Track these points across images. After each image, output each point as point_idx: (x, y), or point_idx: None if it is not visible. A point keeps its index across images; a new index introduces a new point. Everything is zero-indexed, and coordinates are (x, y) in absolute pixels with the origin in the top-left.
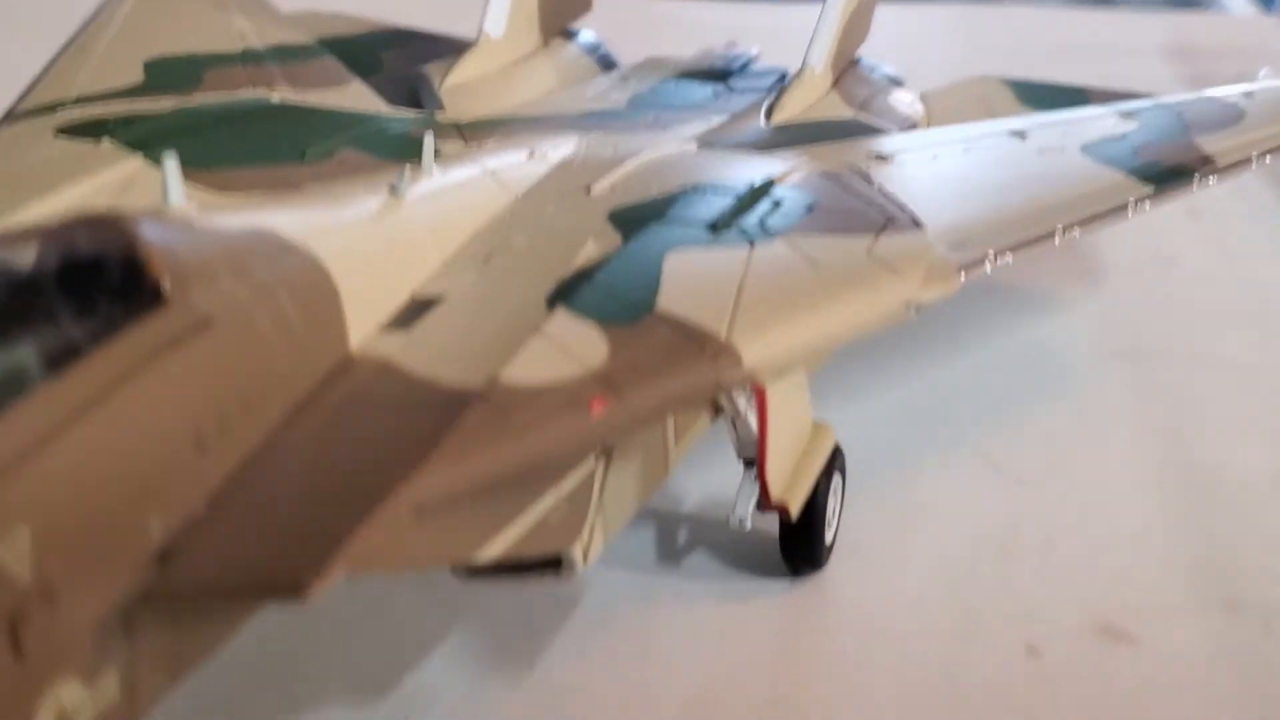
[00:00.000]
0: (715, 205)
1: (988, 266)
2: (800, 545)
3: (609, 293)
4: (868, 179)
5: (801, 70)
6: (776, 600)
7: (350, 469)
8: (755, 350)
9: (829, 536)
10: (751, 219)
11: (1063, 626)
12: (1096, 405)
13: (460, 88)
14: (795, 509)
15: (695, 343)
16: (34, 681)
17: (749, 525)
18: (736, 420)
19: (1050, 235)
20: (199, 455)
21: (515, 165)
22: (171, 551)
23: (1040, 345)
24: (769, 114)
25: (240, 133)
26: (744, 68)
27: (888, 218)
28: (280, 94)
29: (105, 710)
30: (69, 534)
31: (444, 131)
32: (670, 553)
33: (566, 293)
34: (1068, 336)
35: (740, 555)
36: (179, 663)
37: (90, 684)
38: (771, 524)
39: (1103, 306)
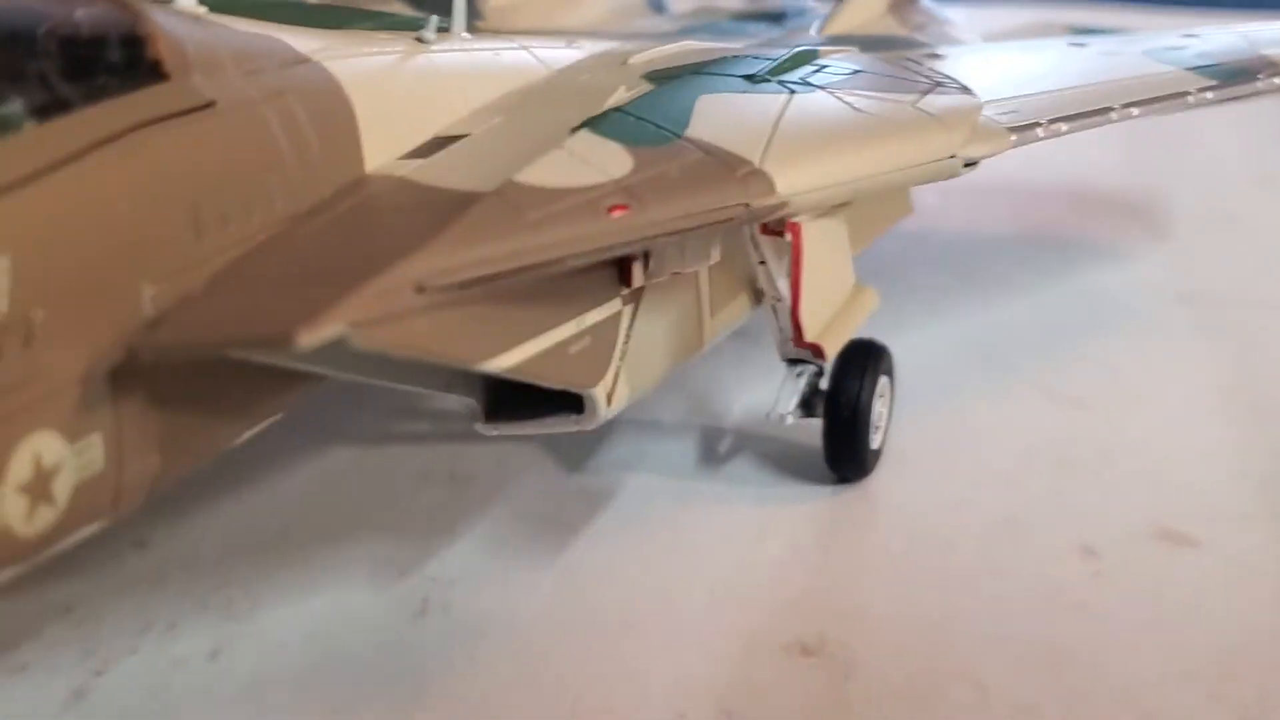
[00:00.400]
0: (755, 65)
1: (1040, 131)
2: (846, 449)
3: (635, 122)
4: (918, 63)
5: None
6: (818, 504)
7: (352, 252)
8: (789, 178)
9: (876, 441)
10: (793, 76)
11: (1121, 530)
12: (1160, 342)
13: (504, 7)
14: (830, 351)
15: (725, 165)
16: (8, 422)
17: (789, 420)
18: (770, 268)
19: (1107, 111)
20: (196, 237)
21: (553, 46)
22: (162, 319)
23: (1103, 289)
24: (821, 24)
25: None
26: (797, 8)
27: (936, 83)
28: None
29: (90, 478)
30: (51, 277)
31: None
32: (710, 460)
33: (592, 122)
34: (1132, 282)
35: (783, 463)
36: (170, 450)
37: (72, 442)
38: (815, 429)
39: (1168, 256)
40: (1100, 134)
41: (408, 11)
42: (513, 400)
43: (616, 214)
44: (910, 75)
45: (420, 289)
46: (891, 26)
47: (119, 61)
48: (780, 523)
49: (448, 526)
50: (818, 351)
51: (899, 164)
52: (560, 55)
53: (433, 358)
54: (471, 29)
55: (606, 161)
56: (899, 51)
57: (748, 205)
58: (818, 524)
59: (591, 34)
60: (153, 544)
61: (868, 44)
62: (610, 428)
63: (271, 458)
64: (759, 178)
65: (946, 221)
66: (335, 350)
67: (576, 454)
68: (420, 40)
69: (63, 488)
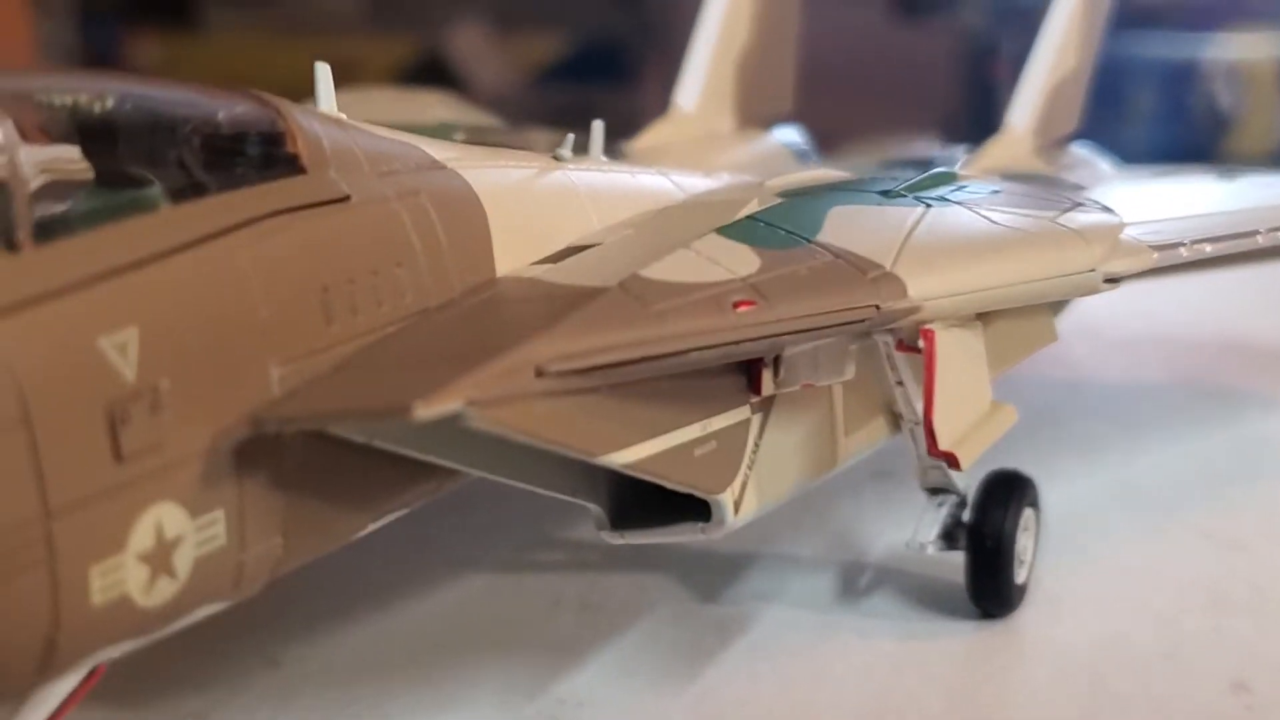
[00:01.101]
0: (892, 183)
1: (1183, 251)
2: (989, 582)
3: (766, 226)
4: (1059, 183)
5: (1002, 128)
6: (960, 638)
7: (474, 338)
8: (922, 283)
9: (1021, 576)
10: (930, 193)
11: (1275, 665)
12: None
13: (648, 150)
14: (965, 461)
15: (856, 268)
16: (133, 489)
17: (930, 551)
18: (908, 389)
19: (1253, 234)
20: (326, 323)
21: (691, 176)
22: (287, 396)
23: (1262, 437)
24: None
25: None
26: (949, 160)
27: (1077, 202)
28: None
29: (211, 554)
30: (179, 349)
31: None
32: (850, 594)
33: (722, 227)
34: None
35: (924, 598)
36: (293, 534)
37: (194, 516)
38: (958, 565)
39: None
40: (1256, 282)
41: None
42: (638, 510)
43: (743, 309)
44: (1051, 195)
45: (540, 373)
46: (1037, 166)
47: (259, 154)
48: (921, 655)
49: (578, 652)
50: (952, 461)
51: (1036, 275)
52: (697, 182)
53: (550, 444)
54: None
55: (734, 261)
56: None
57: (878, 307)
58: (959, 658)
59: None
60: (285, 661)
61: (1011, 177)
62: (747, 560)
63: (406, 581)
64: (891, 281)
65: (1102, 372)
66: (455, 434)
67: (712, 584)
68: (556, 158)
69: (184, 561)
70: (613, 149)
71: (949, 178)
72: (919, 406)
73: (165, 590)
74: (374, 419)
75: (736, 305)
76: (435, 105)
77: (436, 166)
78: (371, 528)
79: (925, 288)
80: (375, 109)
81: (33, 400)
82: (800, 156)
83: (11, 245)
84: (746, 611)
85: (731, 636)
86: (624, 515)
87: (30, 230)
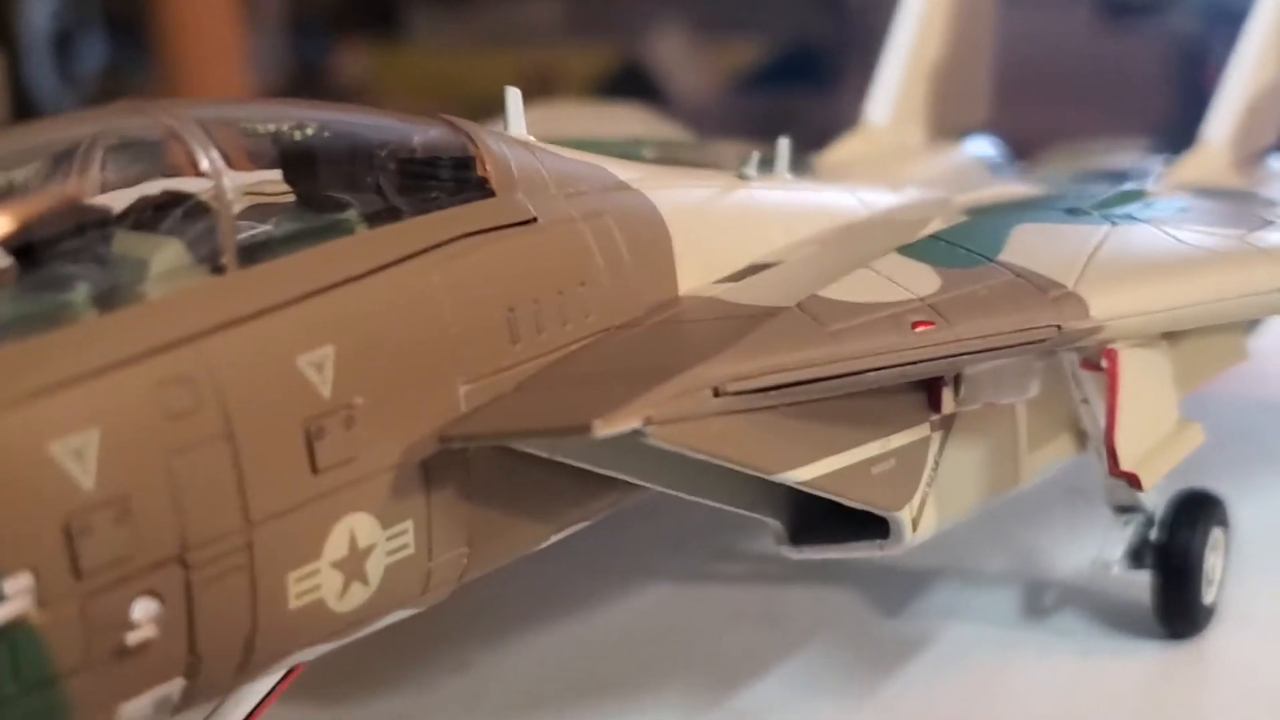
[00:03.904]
0: (1078, 199)
1: None
2: (1176, 602)
3: (948, 245)
4: (1250, 198)
5: (1198, 142)
6: (1146, 657)
7: (653, 357)
8: (1105, 302)
9: (1209, 597)
10: (1117, 210)
11: None
12: None
13: (837, 165)
14: (1147, 482)
15: (1037, 287)
16: (328, 499)
17: (1115, 570)
18: (1093, 406)
19: None
20: (512, 342)
21: (877, 192)
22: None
23: None
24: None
25: None
26: (1143, 170)
27: (1267, 220)
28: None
29: (401, 562)
30: (374, 367)
31: None
32: (1033, 612)
33: (903, 246)
34: None
35: (1110, 618)
36: (478, 545)
37: (385, 526)
38: (1145, 585)
39: None
40: None
41: None
42: (818, 526)
43: (921, 329)
44: (1241, 212)
45: (717, 392)
46: (1233, 181)
47: (450, 177)
48: (1104, 675)
49: (759, 664)
50: (1134, 481)
51: (1222, 295)
52: (884, 199)
53: (727, 461)
54: None
55: (913, 280)
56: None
57: (1059, 327)
58: (1143, 678)
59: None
60: (474, 664)
61: (1204, 193)
62: (931, 575)
63: (590, 590)
64: (1073, 300)
65: None
66: (635, 450)
67: (894, 600)
68: (741, 176)
69: (375, 569)
70: (802, 162)
71: (1137, 195)
72: (1103, 424)
73: (357, 596)
74: (556, 436)
75: (915, 325)
76: (627, 119)
77: (622, 187)
78: (554, 539)
79: (1108, 307)
80: (568, 124)
81: (236, 415)
82: (993, 169)
83: (218, 268)
84: (928, 627)
85: (912, 652)
86: (803, 530)
87: (235, 254)
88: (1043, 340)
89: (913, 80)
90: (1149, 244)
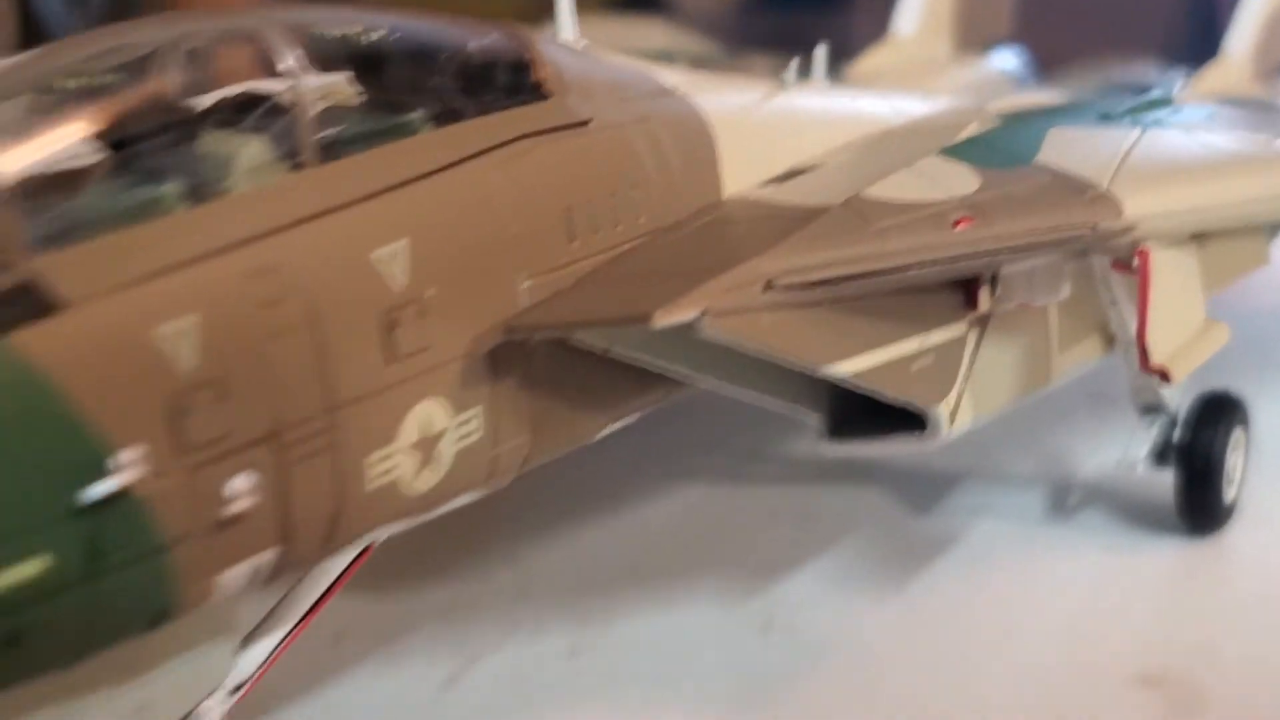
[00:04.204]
0: (1109, 105)
1: None
2: (1198, 500)
3: (986, 147)
4: (1274, 108)
5: (1220, 54)
6: (1167, 553)
7: (705, 254)
8: (1137, 203)
9: (1229, 494)
10: (1146, 116)
11: None
12: None
13: (864, 75)
14: (1177, 377)
15: (1073, 188)
16: (402, 385)
17: (1140, 469)
18: (1122, 309)
19: None
20: (568, 240)
21: (911, 99)
22: (535, 306)
23: None
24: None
25: None
26: (1166, 82)
27: None
28: None
29: (469, 447)
30: (444, 260)
31: None
32: (1058, 511)
33: (944, 149)
34: None
35: (1133, 515)
36: (540, 432)
37: (456, 412)
38: (1167, 485)
39: None
40: None
41: None
42: (855, 422)
43: (961, 227)
44: (1266, 119)
45: (768, 286)
46: (1256, 91)
47: (507, 82)
48: (1127, 569)
49: (795, 558)
50: (1164, 376)
51: (1250, 197)
52: (919, 106)
53: (776, 355)
54: None
55: (953, 180)
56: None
57: (1094, 226)
58: (1166, 571)
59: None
60: (521, 558)
61: (1228, 102)
62: (959, 477)
63: (632, 489)
64: (1106, 201)
65: None
66: (686, 344)
67: (925, 500)
68: (781, 83)
69: (446, 452)
70: (832, 73)
71: (1165, 102)
72: (1132, 326)
73: (429, 478)
74: (615, 326)
75: (955, 223)
76: (653, 33)
77: (667, 93)
78: (608, 430)
79: (1140, 207)
80: (593, 38)
81: (318, 305)
82: (1018, 81)
83: (298, 165)
84: (956, 525)
85: (941, 549)
86: (842, 426)
87: (314, 150)
88: (1079, 238)
89: None
90: (1179, 147)
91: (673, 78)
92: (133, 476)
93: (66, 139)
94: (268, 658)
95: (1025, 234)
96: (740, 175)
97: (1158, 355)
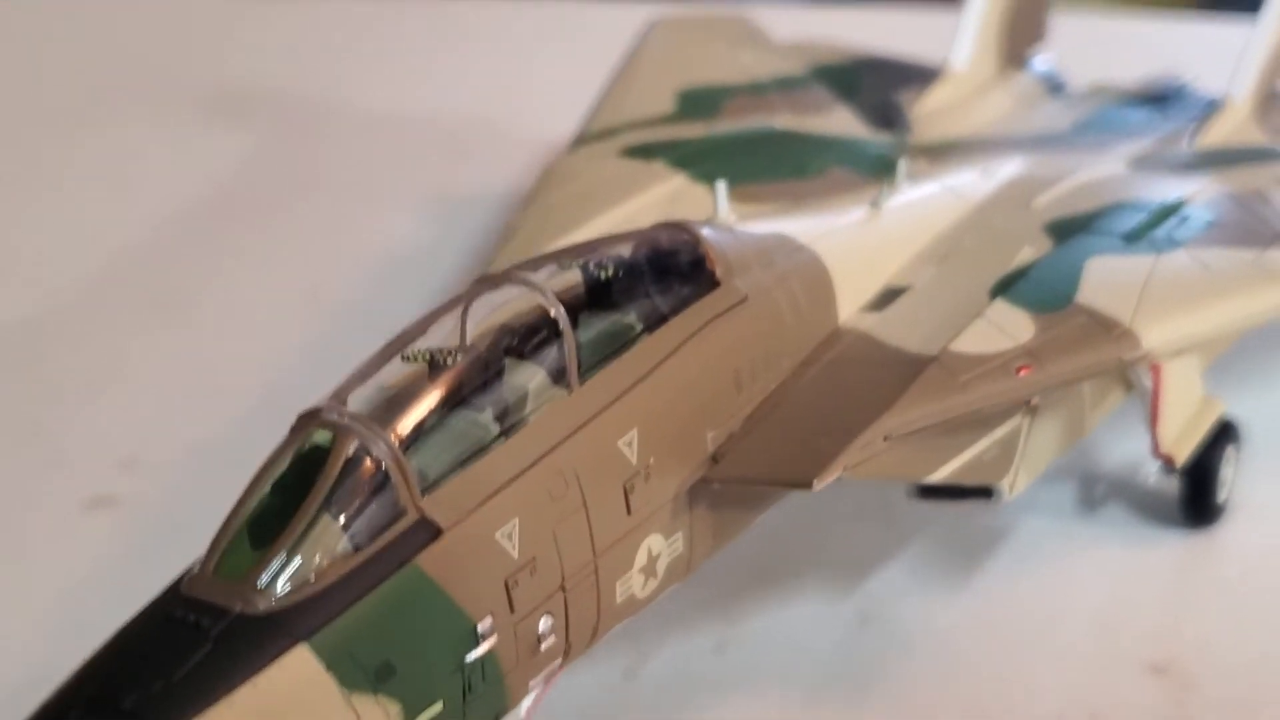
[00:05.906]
0: (1132, 220)
1: None
2: (1196, 504)
3: (1038, 287)
4: (1266, 200)
5: (1223, 102)
6: (1174, 547)
7: (841, 406)
8: (1153, 335)
9: (1220, 497)
10: (1160, 232)
11: None
12: None
13: (928, 115)
14: (1179, 460)
15: (1104, 327)
16: (637, 531)
17: (1151, 480)
18: (1140, 392)
19: None
20: (737, 392)
21: (970, 182)
22: (719, 454)
23: None
24: (1193, 138)
25: (754, 154)
26: (1179, 92)
27: (1276, 234)
28: (781, 120)
29: (675, 560)
30: (659, 435)
31: (913, 152)
32: (1088, 504)
33: (1004, 287)
34: None
35: (1148, 511)
36: (720, 534)
37: (667, 538)
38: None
39: None
40: None
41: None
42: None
43: (1023, 374)
44: (1257, 224)
45: (887, 438)
46: (1255, 134)
47: (689, 277)
48: (1143, 561)
49: (881, 555)
50: (1169, 461)
51: (1248, 315)
52: (975, 190)
53: (888, 478)
54: (905, 145)
55: (1016, 329)
56: (1254, 180)
57: (1120, 359)
58: (1174, 565)
59: (997, 137)
60: None
61: (1230, 158)
62: None
63: None
64: (1129, 337)
65: None
66: None
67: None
68: (874, 205)
69: (661, 567)
70: (897, 109)
71: (1176, 208)
72: (1144, 379)
73: (651, 586)
74: (784, 487)
75: (1019, 370)
76: (742, 49)
77: (797, 249)
78: (757, 519)
79: (1154, 338)
80: (697, 58)
81: (586, 489)
82: (1052, 88)
83: (568, 387)
84: (1010, 521)
85: (998, 542)
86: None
87: (578, 373)
88: (1107, 369)
89: (989, 21)
90: (1184, 277)
91: (798, 226)
92: (488, 638)
93: (428, 403)
94: None
95: (1069, 374)
96: (849, 302)
97: (1165, 444)
